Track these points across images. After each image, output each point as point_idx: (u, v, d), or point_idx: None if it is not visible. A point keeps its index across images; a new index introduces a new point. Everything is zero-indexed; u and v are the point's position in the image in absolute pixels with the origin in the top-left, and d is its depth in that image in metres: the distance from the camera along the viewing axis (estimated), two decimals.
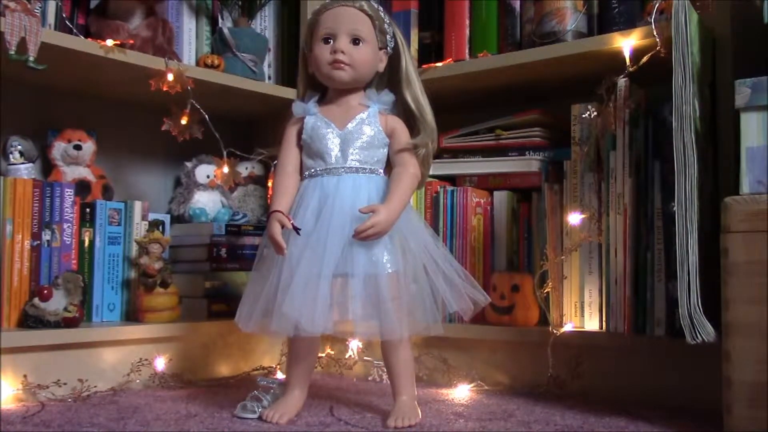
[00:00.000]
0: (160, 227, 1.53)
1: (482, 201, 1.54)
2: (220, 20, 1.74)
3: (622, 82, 1.30)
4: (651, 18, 1.24)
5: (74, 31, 1.45)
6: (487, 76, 1.51)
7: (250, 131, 1.89)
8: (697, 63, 1.12)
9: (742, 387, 0.96)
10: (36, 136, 1.55)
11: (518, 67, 1.44)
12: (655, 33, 1.23)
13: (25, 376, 1.27)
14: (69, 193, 1.45)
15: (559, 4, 1.44)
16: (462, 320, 1.39)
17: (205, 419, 1.14)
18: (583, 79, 1.35)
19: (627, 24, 1.38)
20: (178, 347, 1.48)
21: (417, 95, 1.19)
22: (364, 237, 1.08)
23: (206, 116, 1.50)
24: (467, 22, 1.59)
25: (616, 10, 1.42)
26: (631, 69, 1.28)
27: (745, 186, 1.01)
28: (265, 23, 1.82)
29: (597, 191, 1.35)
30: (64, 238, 1.43)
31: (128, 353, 1.41)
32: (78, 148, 1.56)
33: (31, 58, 1.26)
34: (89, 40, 1.40)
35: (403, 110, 1.20)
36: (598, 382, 1.35)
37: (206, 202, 1.76)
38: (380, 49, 1.20)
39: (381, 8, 1.21)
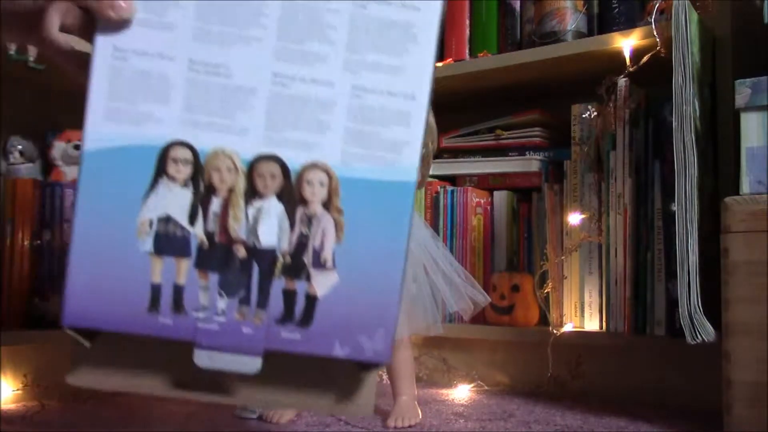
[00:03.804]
0: None
1: (482, 201, 1.54)
2: None
3: (622, 82, 1.30)
4: (651, 18, 1.24)
5: None
6: (487, 76, 1.51)
7: None
8: (697, 63, 1.12)
9: (742, 387, 0.96)
10: (36, 136, 1.55)
11: (518, 67, 1.44)
12: (655, 33, 1.23)
13: (25, 376, 1.27)
14: (69, 193, 1.45)
15: (559, 4, 1.44)
16: (462, 320, 1.39)
17: (205, 419, 1.14)
18: (583, 79, 1.35)
19: (627, 24, 1.38)
20: None
21: None
22: None
23: None
24: (467, 22, 1.59)
25: (616, 10, 1.42)
26: (631, 69, 1.28)
27: (745, 186, 1.01)
28: None
29: (597, 191, 1.35)
30: (65, 238, 1.43)
31: None
32: (78, 148, 1.56)
33: (31, 58, 1.26)
34: None
35: None
36: (598, 382, 1.35)
37: None
38: None
39: None
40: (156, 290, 0.69)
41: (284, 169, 0.69)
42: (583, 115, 1.38)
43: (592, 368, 1.35)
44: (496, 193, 1.55)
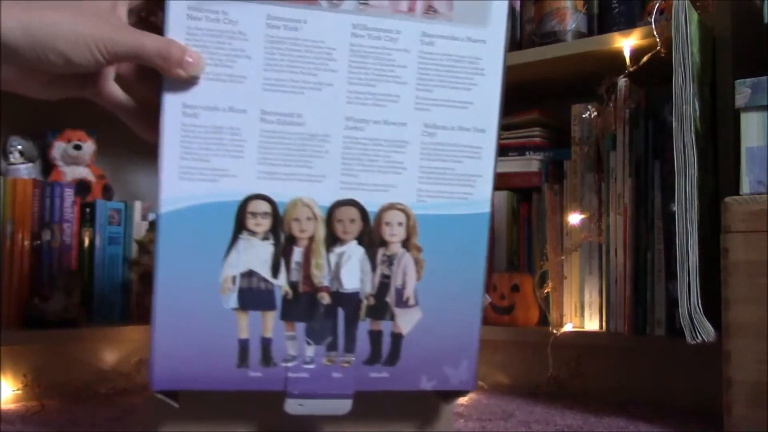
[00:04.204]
0: None
1: None
2: None
3: (622, 82, 1.30)
4: (651, 18, 1.24)
5: None
6: None
7: None
8: (697, 63, 1.12)
9: (742, 387, 0.96)
10: (36, 136, 1.55)
11: (518, 67, 1.44)
12: (655, 33, 1.23)
13: (25, 375, 1.27)
14: (69, 193, 1.45)
15: (559, 4, 1.44)
16: None
17: None
18: (583, 79, 1.35)
19: (627, 24, 1.38)
20: None
21: None
22: None
23: None
24: None
25: (616, 10, 1.42)
26: (631, 69, 1.28)
27: (745, 186, 1.01)
28: None
29: (597, 191, 1.35)
30: (64, 238, 1.43)
31: (128, 353, 1.41)
32: (78, 148, 1.56)
33: None
34: None
35: None
36: (598, 382, 1.35)
37: None
38: None
39: None
40: (244, 345, 0.68)
41: (362, 212, 0.69)
42: (583, 115, 1.38)
43: (592, 368, 1.35)
44: (496, 193, 1.54)
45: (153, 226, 1.52)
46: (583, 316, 1.37)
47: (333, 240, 0.69)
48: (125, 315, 1.52)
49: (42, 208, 1.40)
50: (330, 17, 0.66)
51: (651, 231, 1.27)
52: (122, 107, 0.71)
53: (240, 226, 0.67)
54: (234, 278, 0.67)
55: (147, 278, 1.47)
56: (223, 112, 0.66)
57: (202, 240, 0.66)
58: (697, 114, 1.10)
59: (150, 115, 0.69)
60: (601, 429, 1.09)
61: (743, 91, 1.02)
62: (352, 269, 0.70)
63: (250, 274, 0.68)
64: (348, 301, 0.70)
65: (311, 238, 0.68)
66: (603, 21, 1.44)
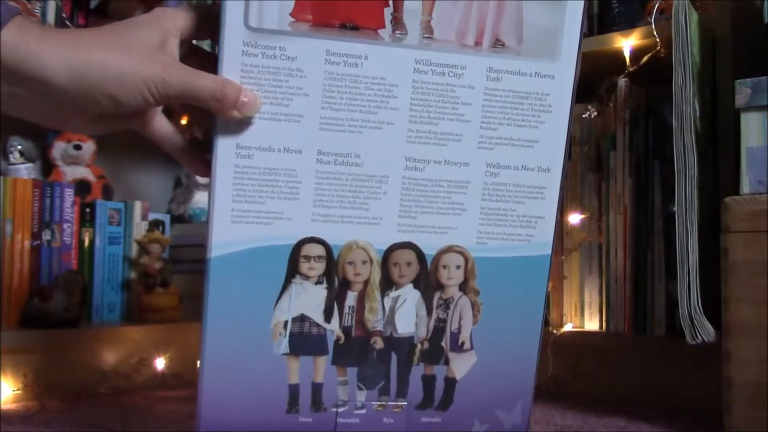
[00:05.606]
0: (160, 227, 1.53)
1: None
2: None
3: (622, 82, 1.30)
4: (651, 18, 1.24)
5: None
6: None
7: None
8: (697, 63, 1.12)
9: (742, 387, 0.96)
10: (36, 136, 1.55)
11: None
12: (655, 33, 1.23)
13: (25, 375, 1.27)
14: (69, 193, 1.45)
15: None
16: None
17: None
18: (583, 79, 1.34)
19: (627, 24, 1.38)
20: (178, 347, 1.48)
21: None
22: None
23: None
24: None
25: (616, 10, 1.41)
26: (631, 69, 1.28)
27: (745, 186, 1.01)
28: None
29: (597, 191, 1.35)
30: (64, 238, 1.43)
31: (128, 353, 1.41)
32: (78, 148, 1.56)
33: None
34: None
35: None
36: (598, 382, 1.35)
37: (207, 202, 1.76)
38: None
39: None
40: (294, 391, 0.67)
41: (420, 255, 0.67)
42: (583, 115, 1.37)
43: (592, 368, 1.35)
44: None
45: (153, 226, 1.52)
46: (583, 316, 1.37)
47: (388, 284, 0.67)
48: (125, 315, 1.52)
49: (42, 208, 1.40)
50: (392, 52, 0.63)
51: (651, 231, 1.27)
52: (170, 142, 0.68)
53: (293, 270, 0.65)
54: (285, 323, 0.66)
55: (146, 278, 1.47)
56: (278, 152, 0.63)
57: (254, 285, 0.64)
58: (697, 114, 1.10)
59: (199, 150, 0.66)
60: (601, 429, 1.09)
61: (743, 91, 1.02)
62: (407, 313, 0.68)
63: (302, 319, 0.66)
64: (402, 345, 0.68)
65: (366, 282, 0.67)
66: (603, 21, 1.44)
